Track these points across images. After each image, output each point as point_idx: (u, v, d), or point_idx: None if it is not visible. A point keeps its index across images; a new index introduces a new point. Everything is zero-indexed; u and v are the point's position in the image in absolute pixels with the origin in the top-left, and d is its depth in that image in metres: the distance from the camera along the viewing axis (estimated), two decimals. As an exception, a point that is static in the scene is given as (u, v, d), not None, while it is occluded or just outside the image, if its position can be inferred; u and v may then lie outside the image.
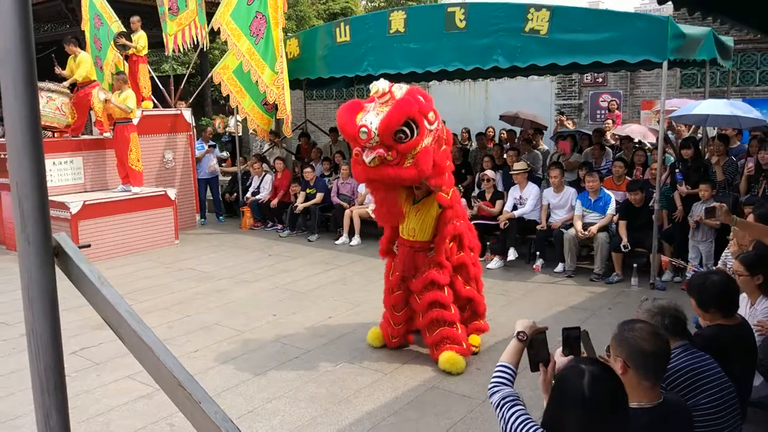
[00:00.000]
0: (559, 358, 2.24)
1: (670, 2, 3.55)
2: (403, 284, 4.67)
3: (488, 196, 7.72)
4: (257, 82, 9.39)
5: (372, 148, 3.86)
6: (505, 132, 11.34)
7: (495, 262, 7.24)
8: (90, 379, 4.43)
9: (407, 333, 4.88)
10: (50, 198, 8.01)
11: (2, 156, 8.69)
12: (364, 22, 9.01)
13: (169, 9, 10.42)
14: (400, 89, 4.03)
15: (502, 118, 11.52)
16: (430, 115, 4.03)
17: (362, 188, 9.04)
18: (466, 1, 7.97)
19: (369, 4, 29.51)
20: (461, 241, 4.70)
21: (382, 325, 4.87)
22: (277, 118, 9.89)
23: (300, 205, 9.24)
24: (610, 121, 11.35)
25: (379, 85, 3.95)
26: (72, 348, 4.91)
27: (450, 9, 7.68)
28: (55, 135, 8.82)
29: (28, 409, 3.94)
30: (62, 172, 8.64)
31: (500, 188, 8.18)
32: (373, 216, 8.53)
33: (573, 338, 2.24)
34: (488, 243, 7.55)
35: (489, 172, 7.88)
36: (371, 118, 3.87)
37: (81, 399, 4.09)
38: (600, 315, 5.71)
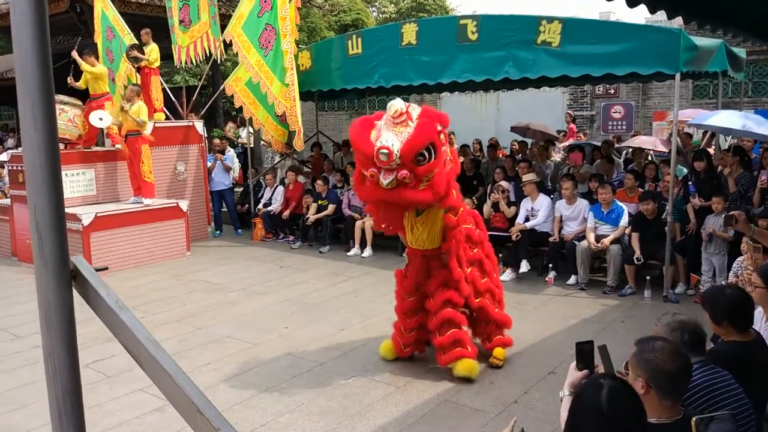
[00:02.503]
0: (573, 373, 2.22)
1: (677, 15, 3.52)
2: (416, 291, 4.67)
3: (502, 206, 7.68)
4: (266, 93, 9.45)
5: (391, 170, 3.84)
6: (516, 143, 11.32)
7: (507, 275, 7.19)
8: (102, 392, 4.44)
9: (419, 341, 4.85)
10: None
11: (14, 168, 8.79)
12: (376, 35, 9.05)
13: (181, 21, 10.53)
14: (414, 109, 4.05)
15: (513, 129, 11.51)
16: (442, 137, 4.07)
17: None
18: (479, 14, 7.99)
19: (380, 15, 29.73)
20: (482, 265, 4.79)
21: (394, 337, 4.86)
22: (289, 130, 9.93)
23: (312, 216, 9.25)
24: (563, 133, 11.92)
25: (397, 105, 3.93)
26: (84, 360, 4.92)
27: (462, 21, 7.69)
28: (67, 147, 8.92)
29: (41, 422, 3.96)
30: (74, 184, 8.71)
31: (513, 199, 8.15)
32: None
33: (586, 352, 2.23)
34: (500, 255, 7.50)
35: (503, 183, 7.86)
36: (390, 139, 3.84)
37: (93, 412, 4.09)
38: (613, 328, 5.65)
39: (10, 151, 10.77)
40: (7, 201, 9.28)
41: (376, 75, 8.72)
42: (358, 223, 8.78)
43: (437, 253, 4.56)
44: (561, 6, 50.13)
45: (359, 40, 8.94)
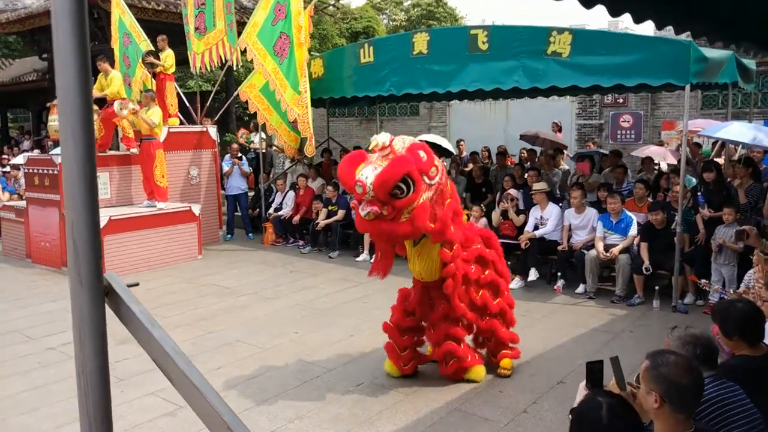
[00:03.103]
0: (582, 392, 2.25)
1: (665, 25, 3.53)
2: (415, 315, 4.72)
3: (511, 215, 7.72)
4: (280, 100, 9.55)
5: (368, 203, 3.86)
6: (525, 151, 11.35)
7: (516, 283, 7.22)
8: (114, 395, 4.47)
9: (416, 356, 4.81)
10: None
11: (30, 171, 8.93)
12: (388, 43, 9.14)
13: (197, 28, 10.67)
14: (402, 142, 4.02)
15: (522, 137, 11.54)
16: (432, 170, 4.01)
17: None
18: (489, 24, 8.05)
19: (390, 23, 29.86)
20: (495, 286, 4.78)
21: (391, 357, 4.81)
22: (301, 136, 10.02)
23: (322, 222, 9.33)
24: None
25: (379, 139, 3.94)
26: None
27: (473, 32, 7.76)
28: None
29: (52, 425, 4.04)
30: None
31: (522, 207, 8.19)
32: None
33: (596, 371, 2.26)
34: (509, 263, 7.53)
35: (513, 191, 7.90)
36: (368, 172, 3.85)
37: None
38: (622, 338, 5.67)
39: (27, 154, 10.94)
40: (23, 203, 9.42)
41: (387, 83, 8.81)
42: (368, 230, 8.84)
43: (438, 284, 4.53)
44: (569, 15, 50.13)
45: (371, 48, 9.03)
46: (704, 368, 2.50)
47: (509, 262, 7.49)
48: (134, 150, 9.38)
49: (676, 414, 2.05)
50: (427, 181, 3.98)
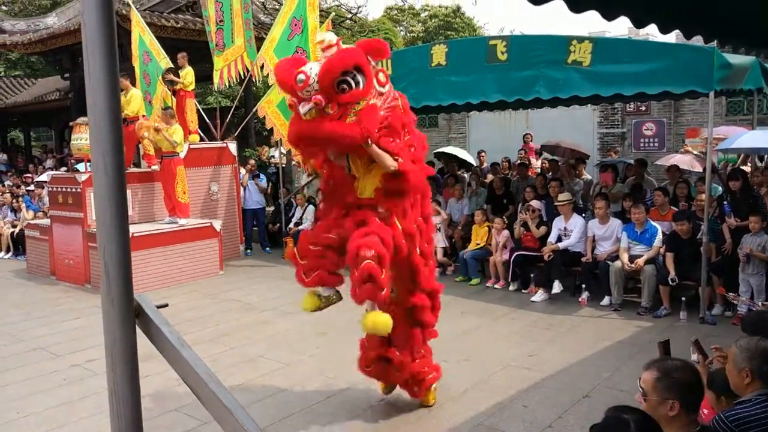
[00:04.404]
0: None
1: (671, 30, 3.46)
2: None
3: (532, 226, 7.64)
4: None
5: (309, 98, 3.32)
6: (546, 162, 11.26)
7: (539, 295, 7.13)
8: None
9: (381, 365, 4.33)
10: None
11: (54, 189, 9.07)
12: (406, 56, 9.16)
13: (216, 45, 10.82)
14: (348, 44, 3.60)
15: (543, 147, 11.45)
16: (381, 76, 3.53)
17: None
18: (508, 35, 8.05)
19: (408, 35, 30.00)
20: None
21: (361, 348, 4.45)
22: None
23: (341, 235, 9.31)
24: (522, 152, 12.08)
25: (326, 37, 3.53)
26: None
27: (492, 42, 7.74)
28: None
29: (82, 441, 4.05)
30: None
31: (544, 219, 8.10)
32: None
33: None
34: (532, 275, 7.47)
35: (535, 203, 7.83)
36: (311, 65, 3.43)
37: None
38: (648, 350, 5.53)
39: (51, 173, 11.14)
40: (47, 221, 9.57)
41: (406, 95, 8.78)
42: (388, 243, 8.81)
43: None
44: (588, 23, 49.96)
45: (389, 61, 9.03)
46: (765, 386, 2.45)
47: (532, 275, 7.46)
48: (155, 167, 9.48)
49: (689, 415, 2.11)
50: (377, 86, 3.49)
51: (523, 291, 7.48)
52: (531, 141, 12.86)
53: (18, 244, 11.11)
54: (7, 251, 11.34)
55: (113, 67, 1.11)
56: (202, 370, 1.08)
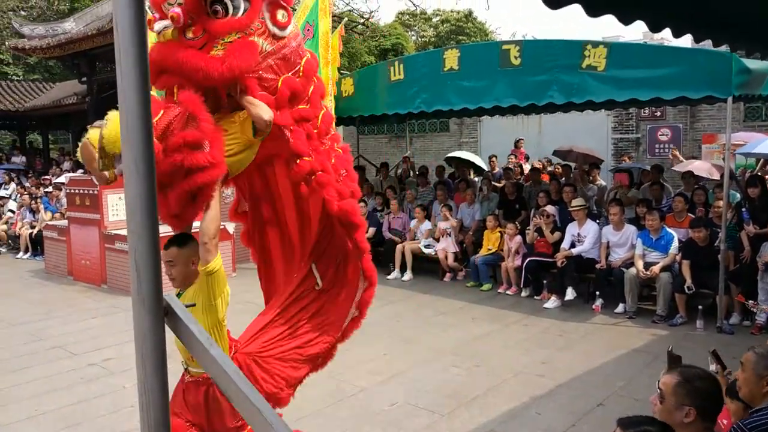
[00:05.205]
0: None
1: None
2: None
3: (546, 231, 7.60)
4: None
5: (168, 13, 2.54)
6: (559, 167, 11.23)
7: (552, 302, 7.10)
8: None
9: None
10: (115, 232, 8.37)
11: (72, 191, 9.18)
12: (418, 61, 9.19)
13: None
14: None
15: (556, 153, 11.42)
16: (281, 14, 2.73)
17: (413, 223, 9.09)
18: (521, 39, 8.05)
19: (419, 39, 30.05)
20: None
21: None
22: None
23: (353, 239, 9.32)
24: (513, 157, 12.15)
25: None
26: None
27: (505, 47, 7.74)
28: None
29: (97, 441, 4.08)
30: (124, 206, 9.01)
31: (558, 224, 8.07)
32: (425, 251, 8.66)
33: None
34: (544, 281, 7.44)
35: (549, 208, 7.80)
36: None
37: None
38: (664, 359, 5.48)
39: (68, 175, 11.26)
40: (65, 222, 9.67)
41: (417, 100, 8.83)
42: (399, 247, 8.83)
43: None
44: (602, 28, 49.81)
45: (401, 66, 9.08)
46: None
47: (545, 281, 7.42)
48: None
49: (705, 424, 2.10)
50: (270, 24, 2.70)
51: (535, 297, 7.45)
52: (522, 146, 13.00)
53: (36, 245, 11.25)
54: (26, 251, 11.47)
55: (144, 68, 1.13)
56: (230, 369, 1.09)
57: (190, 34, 2.56)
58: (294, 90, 2.80)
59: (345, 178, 3.09)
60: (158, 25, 2.53)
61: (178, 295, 2.76)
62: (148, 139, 1.11)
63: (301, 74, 2.84)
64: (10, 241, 12.35)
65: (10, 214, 12.65)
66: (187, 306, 1.19)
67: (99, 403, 4.69)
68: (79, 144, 2.39)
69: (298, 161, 2.83)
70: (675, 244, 6.71)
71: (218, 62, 2.51)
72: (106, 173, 2.36)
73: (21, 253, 11.53)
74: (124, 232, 8.25)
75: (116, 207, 8.72)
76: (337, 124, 10.54)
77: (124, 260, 8.08)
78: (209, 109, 2.58)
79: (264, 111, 2.62)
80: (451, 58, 8.32)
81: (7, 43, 18.50)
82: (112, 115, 2.27)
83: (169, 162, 2.40)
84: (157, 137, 2.33)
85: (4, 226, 12.45)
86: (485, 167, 11.85)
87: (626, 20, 3.04)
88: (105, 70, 15.53)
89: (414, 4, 29.99)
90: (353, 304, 3.35)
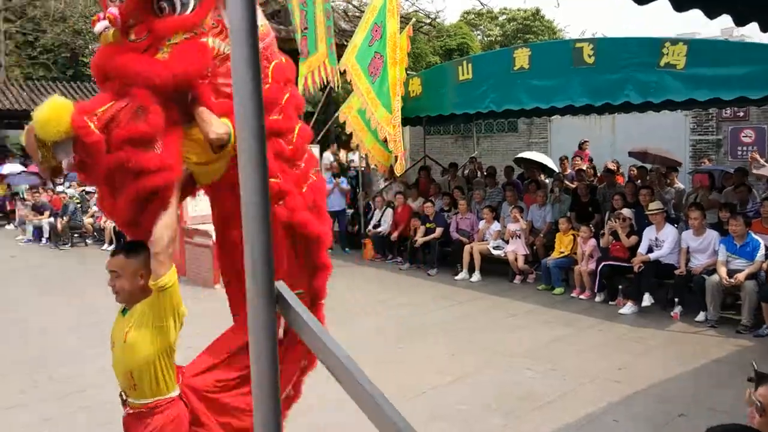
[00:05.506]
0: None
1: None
2: None
3: (622, 235, 7.35)
4: (370, 119, 9.73)
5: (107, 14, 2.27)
6: (635, 169, 10.84)
7: (628, 308, 6.85)
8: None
9: None
10: (195, 226, 8.71)
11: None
12: (487, 60, 9.11)
13: (301, 52, 11.15)
14: None
15: (631, 154, 11.03)
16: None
17: (482, 224, 9.01)
18: (595, 37, 7.84)
19: (485, 39, 29.73)
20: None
21: None
22: (393, 155, 10.10)
23: (420, 239, 9.36)
24: (578, 159, 11.72)
25: None
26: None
27: (578, 45, 7.57)
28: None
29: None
30: (205, 202, 9.37)
31: (634, 227, 7.78)
32: (494, 252, 8.56)
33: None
34: (620, 287, 7.20)
35: (626, 211, 7.54)
36: None
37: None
38: (748, 371, 5.20)
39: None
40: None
41: (486, 100, 8.76)
42: (467, 248, 8.77)
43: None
44: (677, 24, 47.68)
45: (470, 65, 9.03)
46: None
47: (620, 286, 7.18)
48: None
49: None
50: (225, 17, 2.31)
51: (610, 303, 7.22)
52: (587, 148, 12.64)
53: (120, 237, 11.86)
54: (110, 243, 12.10)
55: (256, 63, 1.18)
56: (341, 354, 1.13)
57: (132, 36, 2.27)
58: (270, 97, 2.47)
59: (315, 210, 2.68)
60: (98, 26, 2.27)
61: (123, 311, 2.40)
62: (260, 134, 1.16)
63: (270, 80, 2.51)
64: (95, 233, 13.09)
65: (95, 207, 13.42)
66: (296, 293, 1.24)
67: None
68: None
69: None
70: (762, 251, 6.34)
71: (160, 66, 2.21)
72: (45, 164, 2.13)
73: (106, 245, 12.18)
74: (203, 227, 8.62)
75: (196, 202, 9.07)
76: (404, 125, 10.61)
77: (202, 254, 8.42)
78: (183, 118, 2.32)
79: (214, 126, 2.26)
80: (522, 57, 8.20)
81: (90, 47, 19.60)
82: (48, 100, 2.08)
83: (113, 158, 2.16)
84: (100, 128, 2.12)
85: (90, 219, 13.19)
86: (556, 169, 11.59)
87: (712, 14, 2.91)
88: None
89: (481, 3, 29.65)
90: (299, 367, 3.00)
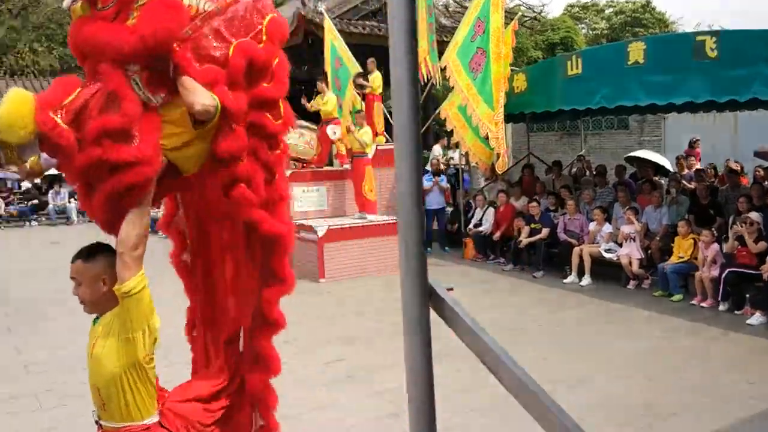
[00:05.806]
0: None
1: None
2: None
3: (749, 241, 6.78)
4: (471, 115, 9.60)
5: None
6: (761, 170, 9.97)
7: (757, 318, 6.31)
8: (342, 390, 4.81)
9: None
10: (300, 222, 9.04)
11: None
12: (598, 54, 8.74)
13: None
14: None
15: (757, 154, 10.16)
16: None
17: (592, 225, 8.63)
18: (718, 29, 7.31)
19: (590, 32, 28.53)
20: None
21: None
22: (494, 152, 9.92)
23: (525, 239, 9.12)
24: (692, 158, 11.07)
25: None
26: (325, 359, 5.45)
27: (699, 38, 7.11)
28: (304, 166, 10.02)
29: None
30: (309, 199, 9.73)
31: (762, 232, 7.15)
32: (606, 255, 8.15)
33: None
34: (747, 295, 6.65)
35: (753, 215, 6.96)
36: None
37: (334, 409, 4.46)
38: None
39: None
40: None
41: (597, 95, 8.41)
42: (576, 249, 8.43)
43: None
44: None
45: (579, 60, 8.70)
46: None
47: (748, 295, 6.62)
48: (347, 166, 10.12)
49: None
50: None
51: (735, 312, 6.68)
52: (698, 147, 11.87)
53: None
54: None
55: (414, 63, 1.19)
56: (497, 349, 1.12)
57: (99, 4, 2.04)
58: (253, 58, 2.16)
59: (282, 204, 2.41)
60: (64, 2, 2.11)
61: (95, 321, 2.14)
62: (416, 133, 1.18)
63: (264, 38, 2.22)
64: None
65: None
66: (447, 289, 1.24)
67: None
68: None
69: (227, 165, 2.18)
70: None
71: (127, 32, 1.97)
72: (13, 167, 1.95)
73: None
74: (308, 222, 8.94)
75: (299, 199, 9.44)
76: (507, 121, 10.42)
77: (307, 248, 8.71)
78: (166, 92, 2.08)
79: (199, 96, 2.03)
80: (636, 51, 7.79)
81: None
82: (8, 95, 1.88)
83: (85, 156, 1.95)
84: (69, 122, 1.91)
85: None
86: (671, 168, 10.90)
87: None
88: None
89: (587, -5, 28.51)
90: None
